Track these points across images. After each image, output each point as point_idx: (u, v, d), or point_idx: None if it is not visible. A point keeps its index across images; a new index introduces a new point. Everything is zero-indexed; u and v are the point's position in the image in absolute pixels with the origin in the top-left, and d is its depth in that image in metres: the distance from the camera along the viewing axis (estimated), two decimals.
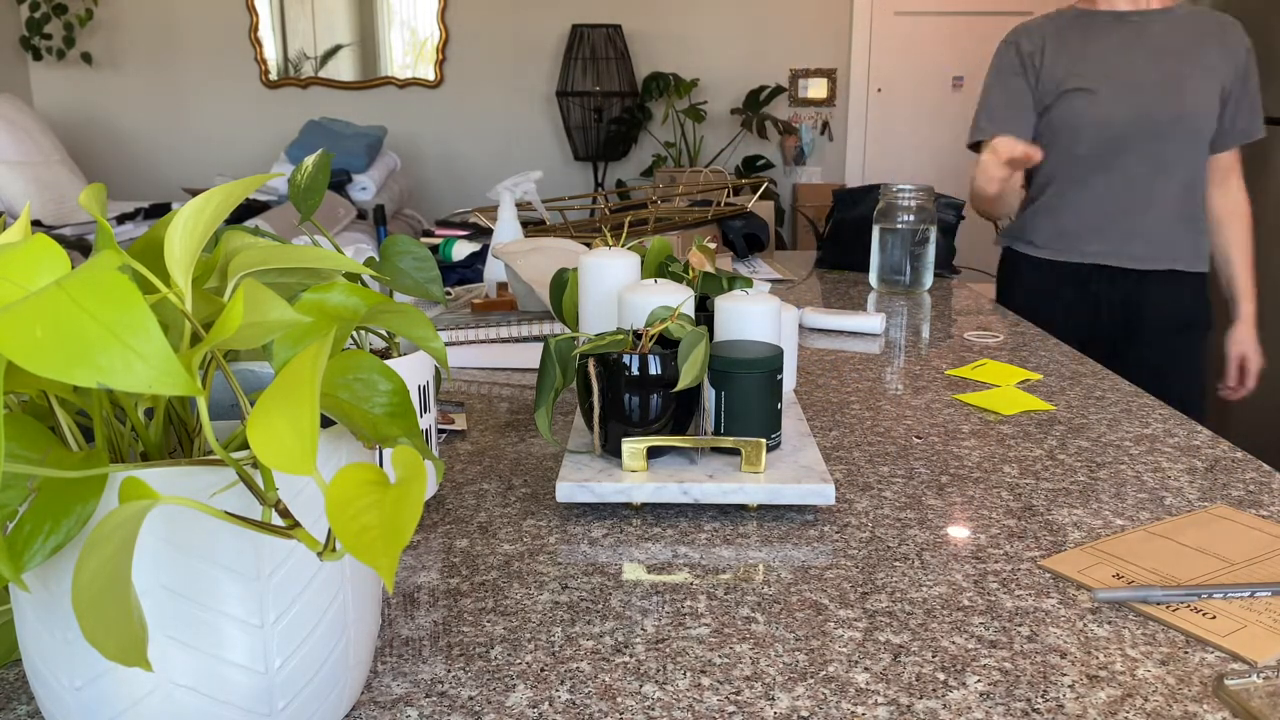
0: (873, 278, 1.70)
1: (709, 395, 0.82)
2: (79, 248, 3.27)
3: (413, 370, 0.76)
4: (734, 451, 0.83)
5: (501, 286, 1.51)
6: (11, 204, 3.80)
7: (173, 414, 0.49)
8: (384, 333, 0.74)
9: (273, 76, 5.13)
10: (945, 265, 1.86)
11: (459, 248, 2.05)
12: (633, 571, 0.69)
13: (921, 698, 0.55)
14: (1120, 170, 1.86)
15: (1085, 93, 1.84)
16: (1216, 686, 0.55)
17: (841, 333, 1.38)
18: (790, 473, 0.79)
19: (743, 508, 0.80)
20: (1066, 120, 1.86)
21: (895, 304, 1.58)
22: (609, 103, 4.93)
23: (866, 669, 0.58)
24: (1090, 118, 1.84)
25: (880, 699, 0.55)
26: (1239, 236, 1.96)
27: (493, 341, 1.25)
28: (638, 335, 0.82)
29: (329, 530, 0.43)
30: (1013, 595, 0.66)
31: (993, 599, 0.65)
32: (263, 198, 4.04)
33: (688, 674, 0.57)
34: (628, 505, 0.80)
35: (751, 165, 5.08)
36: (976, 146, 1.94)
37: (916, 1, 5.13)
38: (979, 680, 0.57)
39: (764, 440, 0.79)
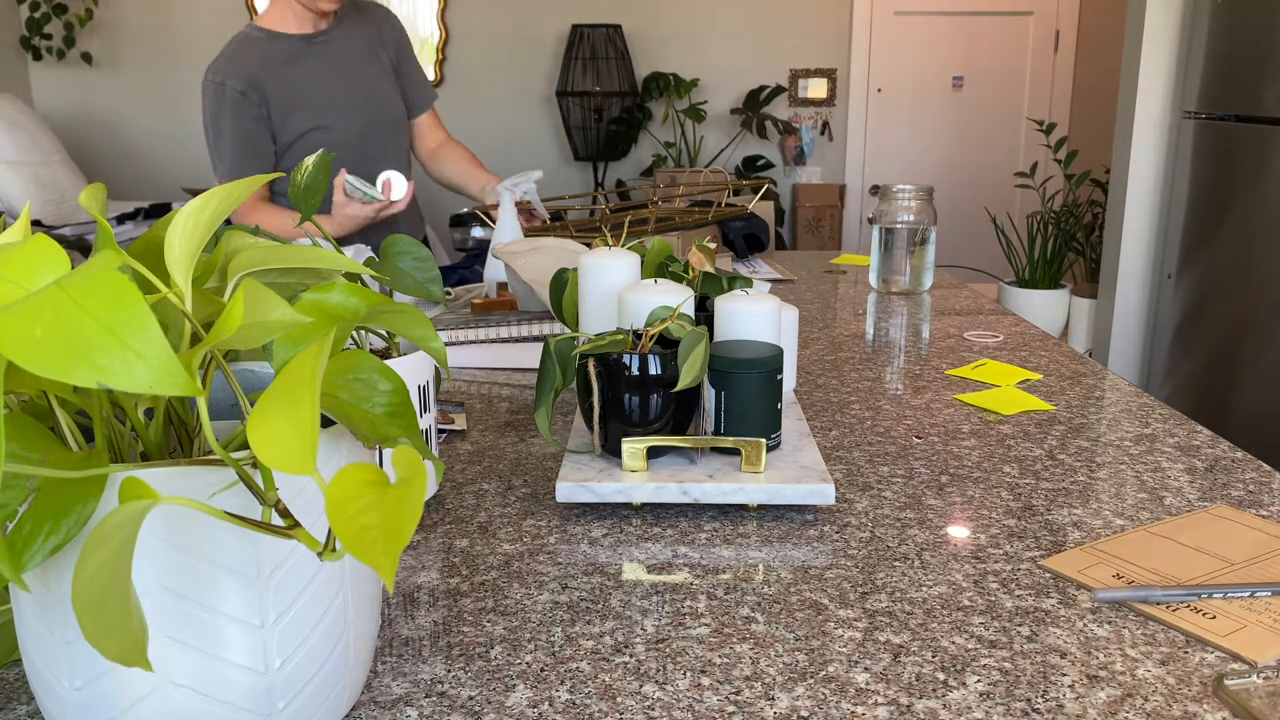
0: (873, 278, 1.70)
1: (709, 395, 0.82)
2: (79, 248, 3.27)
3: (413, 370, 0.76)
4: (734, 451, 0.83)
5: (501, 286, 1.51)
6: (11, 204, 3.80)
7: (173, 414, 0.49)
8: (384, 333, 0.74)
9: None
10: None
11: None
12: (633, 571, 0.69)
13: (921, 698, 0.55)
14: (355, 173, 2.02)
15: (321, 130, 1.94)
16: (1216, 686, 0.55)
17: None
18: (790, 473, 0.79)
19: (743, 508, 0.80)
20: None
21: (895, 304, 1.58)
22: (609, 103, 4.93)
23: (866, 669, 0.58)
24: (340, 147, 1.97)
25: (880, 699, 0.55)
26: (459, 151, 2.17)
27: (493, 341, 1.25)
28: (638, 335, 0.82)
29: (329, 530, 0.43)
30: (1013, 595, 0.66)
31: (993, 599, 0.65)
32: None
33: (688, 674, 0.57)
34: (628, 505, 0.80)
35: (751, 165, 5.08)
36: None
37: (916, 1, 5.13)
38: (979, 680, 0.57)
39: (764, 440, 0.79)
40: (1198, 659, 0.58)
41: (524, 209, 1.83)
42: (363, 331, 0.73)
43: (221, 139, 1.89)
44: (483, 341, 1.25)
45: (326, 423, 0.53)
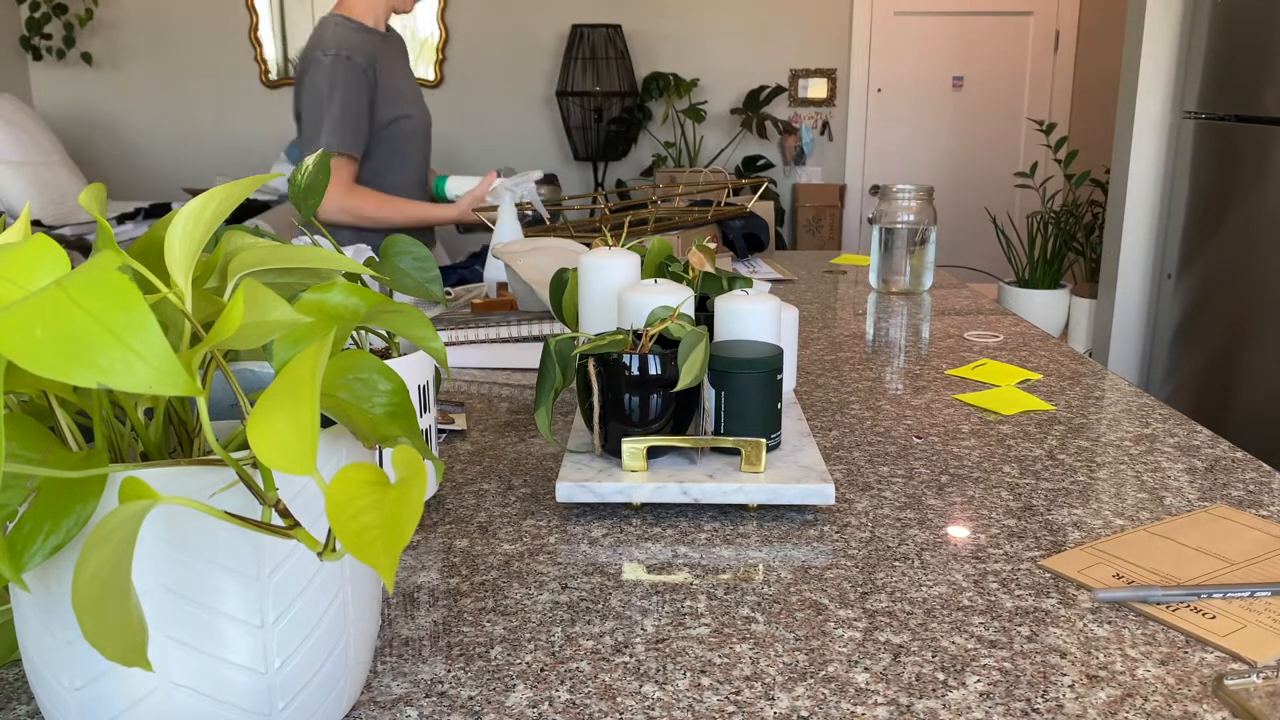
0: (873, 278, 1.70)
1: (709, 395, 0.82)
2: (79, 248, 3.27)
3: (413, 370, 0.76)
4: (734, 451, 0.83)
5: (501, 286, 1.51)
6: (11, 204, 3.80)
7: (173, 414, 0.49)
8: (384, 333, 0.74)
9: (273, 76, 5.13)
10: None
11: (452, 184, 2.10)
12: (633, 571, 0.69)
13: (921, 698, 0.55)
14: (421, 171, 2.15)
15: (406, 119, 2.09)
16: (1216, 686, 0.55)
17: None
18: (790, 473, 0.79)
19: (743, 508, 0.80)
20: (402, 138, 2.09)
21: (895, 304, 1.58)
22: (609, 103, 4.93)
23: (866, 669, 0.58)
24: (416, 135, 2.12)
25: (880, 699, 0.55)
26: None
27: (493, 341, 1.25)
28: (638, 335, 0.82)
29: (329, 530, 0.43)
30: (1013, 595, 0.66)
31: (993, 599, 0.65)
32: (263, 198, 4.04)
33: (688, 674, 0.57)
34: (628, 505, 0.80)
35: (751, 165, 5.08)
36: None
37: (916, 1, 5.13)
38: (979, 680, 0.57)
39: (764, 440, 0.79)
40: (1198, 659, 0.58)
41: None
42: (363, 331, 0.73)
43: (335, 110, 1.91)
44: (483, 341, 1.25)
45: (326, 423, 0.53)
